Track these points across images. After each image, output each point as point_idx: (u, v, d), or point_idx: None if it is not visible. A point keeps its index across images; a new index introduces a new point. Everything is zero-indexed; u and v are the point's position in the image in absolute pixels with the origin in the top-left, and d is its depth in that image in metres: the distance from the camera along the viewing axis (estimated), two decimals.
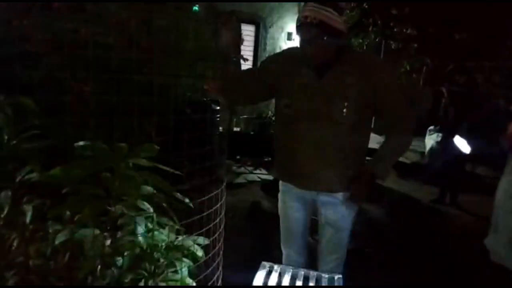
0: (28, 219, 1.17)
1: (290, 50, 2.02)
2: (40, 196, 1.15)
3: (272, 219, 3.82)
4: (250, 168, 5.67)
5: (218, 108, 5.53)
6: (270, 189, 4.02)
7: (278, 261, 1.89)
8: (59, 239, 1.11)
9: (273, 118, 7.07)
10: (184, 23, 1.78)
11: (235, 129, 6.77)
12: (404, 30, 7.92)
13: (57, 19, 1.60)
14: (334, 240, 1.91)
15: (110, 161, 1.09)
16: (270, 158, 6.30)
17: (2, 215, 1.07)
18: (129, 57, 1.54)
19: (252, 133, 6.68)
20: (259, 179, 5.20)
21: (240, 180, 5.06)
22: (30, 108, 1.19)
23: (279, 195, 2.04)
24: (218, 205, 1.34)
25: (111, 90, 1.51)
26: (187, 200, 1.15)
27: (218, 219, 1.34)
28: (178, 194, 1.13)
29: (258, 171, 5.59)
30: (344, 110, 1.69)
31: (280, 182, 2.02)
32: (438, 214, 4.55)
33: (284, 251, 2.08)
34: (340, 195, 1.83)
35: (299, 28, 1.70)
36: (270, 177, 5.23)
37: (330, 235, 1.91)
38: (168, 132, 1.54)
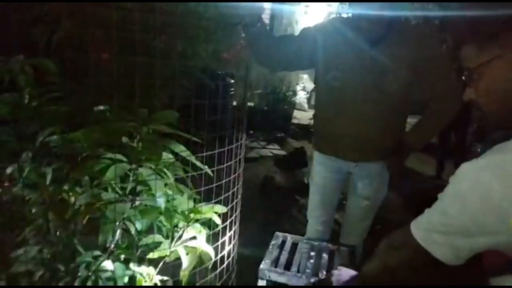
0: (47, 181, 1.19)
1: (337, 20, 1.97)
2: (60, 159, 1.15)
3: (284, 193, 3.87)
4: (263, 143, 5.66)
5: (232, 81, 5.46)
6: (283, 164, 4.01)
7: (291, 232, 1.90)
8: (80, 201, 1.12)
9: (287, 93, 7.05)
10: None
11: (248, 103, 6.73)
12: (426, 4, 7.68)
13: None
14: (365, 210, 1.98)
15: (130, 126, 1.07)
16: (283, 134, 6.30)
17: (23, 175, 1.07)
18: (147, 21, 1.52)
19: (265, 108, 6.65)
20: (271, 154, 5.20)
21: (252, 154, 5.07)
22: (51, 70, 1.18)
23: (314, 166, 2.06)
24: (236, 174, 1.33)
25: (130, 55, 1.49)
26: (206, 168, 1.14)
27: (235, 188, 1.33)
28: (198, 162, 1.12)
29: (270, 146, 5.58)
30: (395, 82, 1.70)
31: (317, 153, 2.02)
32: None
33: (311, 221, 2.09)
34: (377, 166, 1.88)
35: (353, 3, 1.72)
36: (283, 152, 5.23)
37: (363, 205, 1.97)
38: (184, 100, 1.52)
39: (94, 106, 1.20)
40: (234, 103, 5.02)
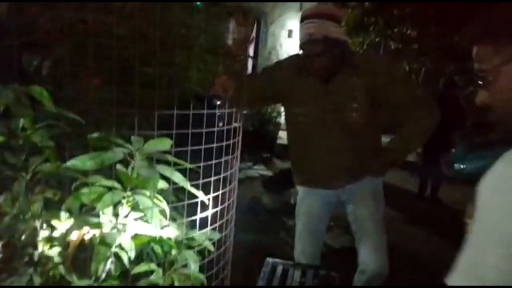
0: (39, 211, 1.17)
1: (292, 59, 2.04)
2: (53, 186, 1.15)
3: (272, 215, 3.86)
4: (249, 164, 5.68)
5: (218, 103, 5.51)
6: (271, 185, 4.02)
7: (279, 255, 1.90)
8: (72, 229, 1.11)
9: (272, 115, 7.12)
10: (189, 18, 1.77)
11: (234, 124, 6.76)
12: (405, 31, 7.93)
13: (66, 8, 1.58)
14: (373, 226, 1.94)
15: (125, 153, 1.08)
16: (269, 154, 6.33)
17: (17, 205, 1.06)
18: (136, 49, 1.53)
19: (251, 129, 6.68)
20: (258, 175, 5.21)
21: (239, 175, 5.06)
22: (44, 97, 1.18)
23: (300, 198, 2.06)
24: (230, 201, 1.34)
25: (118, 82, 1.50)
26: (201, 195, 1.15)
27: (229, 215, 1.34)
28: (194, 189, 1.13)
29: (257, 167, 5.60)
30: (354, 111, 1.75)
31: (301, 187, 2.05)
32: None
33: (299, 248, 2.06)
34: (365, 181, 1.90)
35: (304, 45, 1.75)
36: (270, 173, 5.24)
37: (368, 224, 1.94)
38: (173, 125, 1.53)
39: (88, 132, 1.20)
40: (220, 124, 5.03)
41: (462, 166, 4.07)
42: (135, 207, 1.13)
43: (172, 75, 1.54)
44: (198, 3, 2.12)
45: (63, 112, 1.15)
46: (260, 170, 5.52)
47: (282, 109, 7.60)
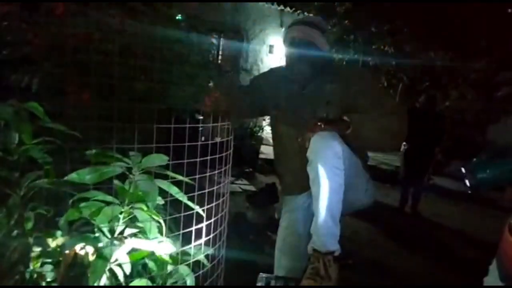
0: (29, 227, 1.16)
1: (274, 69, 2.11)
2: (50, 201, 1.14)
3: (256, 230, 3.86)
4: (231, 178, 5.67)
5: (201, 117, 5.52)
6: (255, 200, 4.02)
7: (264, 269, 1.91)
8: (67, 246, 1.10)
9: (254, 129, 7.17)
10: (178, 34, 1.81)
11: (216, 139, 6.76)
12: (382, 47, 8.17)
13: (57, 24, 1.59)
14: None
15: (123, 168, 1.09)
16: (251, 169, 6.34)
17: (12, 222, 1.05)
18: (123, 64, 1.55)
19: (233, 143, 6.70)
20: (240, 190, 5.21)
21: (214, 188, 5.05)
22: (39, 112, 1.18)
23: (283, 211, 2.06)
24: (223, 212, 1.36)
25: (104, 96, 1.51)
26: (198, 208, 1.16)
27: (221, 228, 1.35)
28: (190, 202, 1.14)
29: (239, 182, 5.60)
30: (331, 114, 1.76)
31: (287, 197, 2.04)
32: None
33: (282, 261, 2.04)
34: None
35: (289, 47, 1.81)
36: (252, 187, 5.25)
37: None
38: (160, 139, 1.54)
39: (83, 147, 1.21)
40: (203, 138, 5.03)
41: (485, 175, 4.05)
42: (131, 222, 1.14)
43: (165, 90, 1.56)
44: (179, 17, 2.16)
45: (60, 127, 1.15)
46: (242, 185, 5.53)
47: (264, 123, 7.61)
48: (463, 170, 4.47)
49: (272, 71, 2.11)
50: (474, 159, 4.72)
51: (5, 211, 1.07)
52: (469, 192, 4.58)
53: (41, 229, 1.18)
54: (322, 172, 1.62)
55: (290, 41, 1.82)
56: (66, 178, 1.01)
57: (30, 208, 1.17)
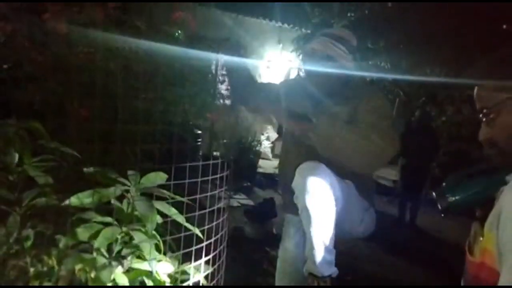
0: (28, 245, 1.16)
1: (298, 78, 2.06)
2: (47, 221, 1.14)
3: (254, 245, 3.84)
4: (229, 193, 5.66)
5: (199, 132, 5.51)
6: (253, 214, 4.02)
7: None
8: (66, 266, 1.10)
9: (253, 143, 7.18)
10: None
11: (215, 153, 6.76)
12: (379, 63, 8.24)
13: (57, 42, 1.61)
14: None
15: (122, 190, 1.09)
16: (249, 183, 6.34)
17: (11, 240, 1.05)
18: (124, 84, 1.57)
19: (231, 157, 6.70)
20: (239, 204, 5.20)
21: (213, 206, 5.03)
22: (39, 131, 1.19)
23: (288, 232, 2.01)
24: (223, 232, 1.36)
25: (104, 115, 1.53)
26: (196, 230, 1.17)
27: (221, 247, 1.36)
28: (189, 224, 1.15)
29: (237, 196, 5.59)
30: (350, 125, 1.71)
31: (289, 216, 2.01)
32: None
33: (283, 281, 2.00)
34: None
35: (305, 59, 1.76)
36: (250, 202, 5.24)
37: None
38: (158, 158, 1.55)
39: (81, 166, 1.21)
40: (200, 153, 5.05)
41: (455, 198, 4.14)
42: (129, 241, 1.14)
43: (167, 109, 1.57)
44: (177, 33, 2.18)
45: (59, 147, 1.16)
46: (240, 199, 5.51)
47: (262, 137, 7.60)
48: (433, 194, 4.56)
49: (294, 81, 2.08)
50: (444, 183, 4.87)
51: (4, 229, 1.07)
52: (442, 215, 4.66)
53: (40, 247, 1.18)
54: (310, 204, 1.58)
55: (307, 54, 1.77)
56: (66, 202, 1.02)
57: (29, 226, 1.18)
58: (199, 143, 4.94)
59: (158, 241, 1.13)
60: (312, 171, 1.59)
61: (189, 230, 1.21)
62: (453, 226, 5.54)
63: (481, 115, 0.92)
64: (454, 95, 7.97)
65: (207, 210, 1.26)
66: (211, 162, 1.32)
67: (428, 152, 5.10)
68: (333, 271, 1.68)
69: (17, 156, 1.14)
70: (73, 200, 1.01)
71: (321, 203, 1.57)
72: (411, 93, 8.32)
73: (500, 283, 0.78)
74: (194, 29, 1.70)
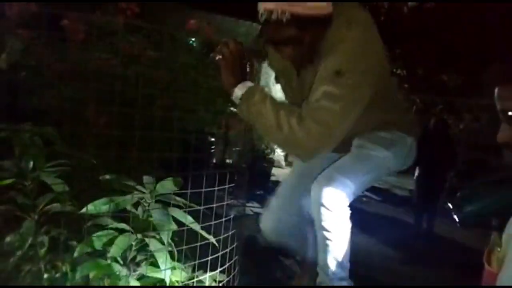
0: (43, 250, 1.16)
1: None
2: (61, 226, 1.14)
3: (268, 254, 3.80)
4: (242, 201, 5.64)
5: (213, 139, 5.52)
6: None
7: None
8: (81, 272, 1.09)
9: (266, 151, 7.16)
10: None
11: (227, 161, 6.77)
12: (395, 70, 8.18)
13: (75, 49, 1.63)
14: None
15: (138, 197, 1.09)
16: (262, 192, 6.30)
17: (26, 245, 1.05)
18: (139, 90, 1.57)
19: (244, 165, 6.68)
20: (251, 213, 5.17)
21: (232, 213, 5.01)
22: (53, 137, 1.19)
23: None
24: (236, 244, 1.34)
25: (121, 122, 1.53)
26: (211, 238, 1.15)
27: (236, 257, 1.33)
28: (204, 232, 1.13)
29: (250, 204, 5.56)
30: None
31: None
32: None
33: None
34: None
35: (264, 28, 1.32)
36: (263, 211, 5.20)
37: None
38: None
39: (98, 174, 1.21)
40: (214, 160, 5.06)
41: (470, 208, 4.10)
42: (144, 248, 1.13)
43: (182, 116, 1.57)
44: (192, 41, 2.19)
45: (73, 153, 1.16)
46: (253, 207, 5.48)
47: (276, 146, 7.57)
48: (449, 205, 4.51)
49: None
50: (458, 193, 4.83)
51: (19, 235, 1.07)
52: (459, 225, 4.60)
53: (55, 253, 1.17)
54: (326, 223, 1.56)
55: (265, 17, 1.24)
56: (83, 210, 1.02)
57: (43, 232, 1.17)
58: (212, 151, 4.95)
59: (173, 249, 1.11)
60: (330, 186, 1.55)
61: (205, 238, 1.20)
62: (471, 236, 5.42)
63: (502, 116, 0.89)
64: (472, 103, 7.85)
65: (223, 220, 1.24)
66: (228, 171, 1.29)
67: (445, 160, 5.01)
68: (346, 283, 1.67)
69: (31, 162, 1.14)
70: (90, 208, 1.00)
71: (338, 221, 1.56)
72: (428, 100, 8.22)
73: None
74: (210, 36, 1.70)
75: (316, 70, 1.32)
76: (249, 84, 1.34)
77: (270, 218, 1.91)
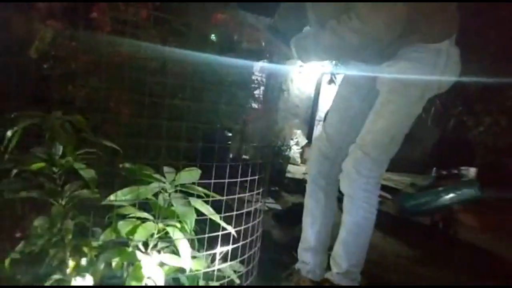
0: (69, 236, 1.19)
1: None
2: (87, 213, 1.17)
3: (282, 249, 3.81)
4: (257, 197, 5.66)
5: (230, 135, 5.57)
6: (282, 219, 3.99)
7: None
8: (101, 261, 1.12)
9: (282, 148, 7.16)
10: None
11: (244, 156, 6.80)
12: None
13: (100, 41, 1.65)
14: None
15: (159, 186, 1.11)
16: (277, 188, 6.31)
17: (55, 230, 1.09)
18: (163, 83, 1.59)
19: (260, 161, 6.71)
20: (267, 208, 5.19)
21: (247, 208, 5.05)
22: (82, 125, 1.23)
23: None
24: (258, 233, 1.36)
25: (145, 113, 1.56)
26: (231, 229, 1.17)
27: (256, 248, 1.36)
28: (223, 223, 1.16)
29: (266, 200, 5.58)
30: None
31: None
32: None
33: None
34: None
35: None
36: (278, 206, 5.22)
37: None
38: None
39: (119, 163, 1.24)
40: (231, 155, 5.07)
41: (409, 205, 4.36)
42: (165, 236, 1.15)
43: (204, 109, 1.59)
44: (213, 36, 2.20)
45: (101, 141, 1.19)
46: (268, 203, 5.50)
47: (291, 142, 7.57)
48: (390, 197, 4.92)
49: None
50: (400, 192, 5.09)
51: (48, 219, 1.11)
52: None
53: (79, 238, 1.21)
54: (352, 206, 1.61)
55: None
56: (105, 201, 1.05)
57: (70, 217, 1.21)
58: (229, 145, 4.98)
59: (193, 239, 1.14)
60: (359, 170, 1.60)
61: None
62: (486, 238, 5.35)
63: None
64: (492, 106, 7.69)
65: (244, 211, 1.26)
66: (250, 162, 1.32)
67: (463, 163, 4.96)
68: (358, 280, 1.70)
69: (61, 148, 1.18)
70: (112, 198, 1.03)
71: (363, 208, 1.60)
72: (447, 102, 8.09)
73: None
74: (234, 31, 1.72)
75: None
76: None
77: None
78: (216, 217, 1.15)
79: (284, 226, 3.85)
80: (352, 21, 1.34)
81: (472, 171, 4.91)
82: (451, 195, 4.34)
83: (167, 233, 1.15)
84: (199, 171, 1.24)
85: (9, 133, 1.12)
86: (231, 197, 1.19)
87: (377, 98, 1.61)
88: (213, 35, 2.13)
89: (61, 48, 1.46)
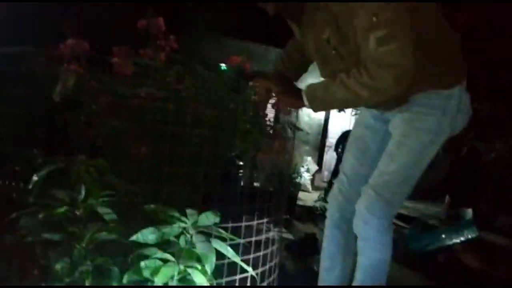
0: (89, 278, 1.21)
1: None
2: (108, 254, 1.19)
3: (295, 281, 3.76)
4: (269, 226, 5.62)
5: (241, 163, 5.57)
6: (294, 249, 3.96)
7: None
8: None
9: (293, 175, 7.16)
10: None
11: (255, 184, 6.79)
12: None
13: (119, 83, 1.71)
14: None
15: (181, 227, 1.13)
16: (288, 216, 6.27)
17: (76, 274, 1.11)
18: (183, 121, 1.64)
19: (271, 189, 6.69)
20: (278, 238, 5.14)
21: (258, 238, 5.01)
22: (105, 169, 1.27)
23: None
24: (273, 262, 1.37)
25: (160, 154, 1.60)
26: (250, 270, 1.18)
27: (272, 277, 1.36)
28: (244, 264, 1.17)
29: (277, 229, 5.54)
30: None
31: None
32: None
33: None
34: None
35: None
36: (290, 235, 5.17)
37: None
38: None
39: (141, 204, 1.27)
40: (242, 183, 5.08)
41: (415, 245, 4.31)
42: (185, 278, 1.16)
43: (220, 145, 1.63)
44: (223, 67, 2.26)
45: (123, 184, 1.23)
46: (280, 232, 5.45)
47: (302, 169, 7.58)
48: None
49: None
50: (407, 231, 5.08)
51: (70, 262, 1.13)
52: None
53: (98, 280, 1.22)
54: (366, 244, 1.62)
55: None
56: (131, 238, 1.07)
57: (90, 260, 1.23)
58: (240, 175, 5.01)
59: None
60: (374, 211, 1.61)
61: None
62: (501, 268, 5.22)
63: None
64: (504, 131, 7.66)
65: (261, 253, 1.27)
66: (267, 204, 1.34)
67: (476, 189, 4.92)
68: None
69: (83, 191, 1.21)
70: (138, 237, 1.06)
71: (374, 247, 1.60)
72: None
73: None
74: (248, 69, 1.78)
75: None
76: (302, 92, 1.62)
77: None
78: (237, 259, 1.17)
79: (297, 257, 3.81)
80: (363, 77, 1.39)
81: (469, 212, 4.91)
82: (452, 235, 4.35)
83: (186, 275, 1.16)
84: (219, 214, 1.26)
85: (35, 177, 1.16)
86: (248, 239, 1.20)
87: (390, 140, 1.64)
88: (223, 66, 2.19)
89: (84, 91, 1.52)
